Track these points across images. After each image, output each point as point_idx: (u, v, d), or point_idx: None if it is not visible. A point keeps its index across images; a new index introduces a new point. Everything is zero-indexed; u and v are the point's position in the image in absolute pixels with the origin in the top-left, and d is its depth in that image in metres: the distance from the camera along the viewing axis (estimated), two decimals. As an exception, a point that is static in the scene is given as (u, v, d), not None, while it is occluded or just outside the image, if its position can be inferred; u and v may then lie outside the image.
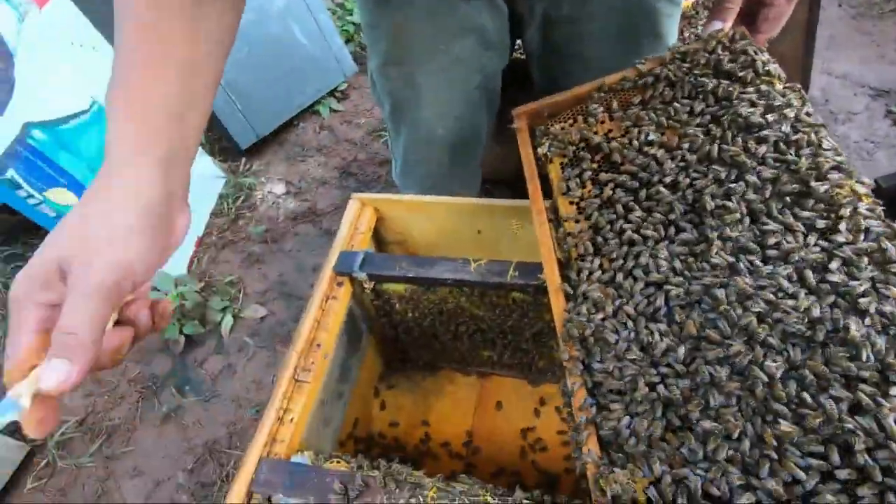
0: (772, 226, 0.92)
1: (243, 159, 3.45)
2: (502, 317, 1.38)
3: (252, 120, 3.39)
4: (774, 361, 0.81)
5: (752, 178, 0.96)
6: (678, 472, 0.80)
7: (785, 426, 0.76)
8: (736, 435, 0.79)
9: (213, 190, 3.25)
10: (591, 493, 0.84)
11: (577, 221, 1.08)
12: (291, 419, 1.14)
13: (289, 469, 1.02)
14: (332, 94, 3.69)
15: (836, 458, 0.73)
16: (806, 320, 0.82)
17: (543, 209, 1.09)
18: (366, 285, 1.35)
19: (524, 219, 1.50)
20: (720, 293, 0.88)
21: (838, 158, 0.96)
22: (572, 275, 1.04)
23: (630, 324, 0.94)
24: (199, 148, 3.22)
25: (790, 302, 0.83)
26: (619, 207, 1.05)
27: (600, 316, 0.96)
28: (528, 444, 1.57)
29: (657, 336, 0.91)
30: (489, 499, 0.94)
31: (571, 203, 1.08)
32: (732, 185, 0.97)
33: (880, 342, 0.77)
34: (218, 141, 3.53)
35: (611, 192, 1.06)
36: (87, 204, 0.55)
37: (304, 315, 1.30)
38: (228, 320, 2.67)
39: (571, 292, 1.00)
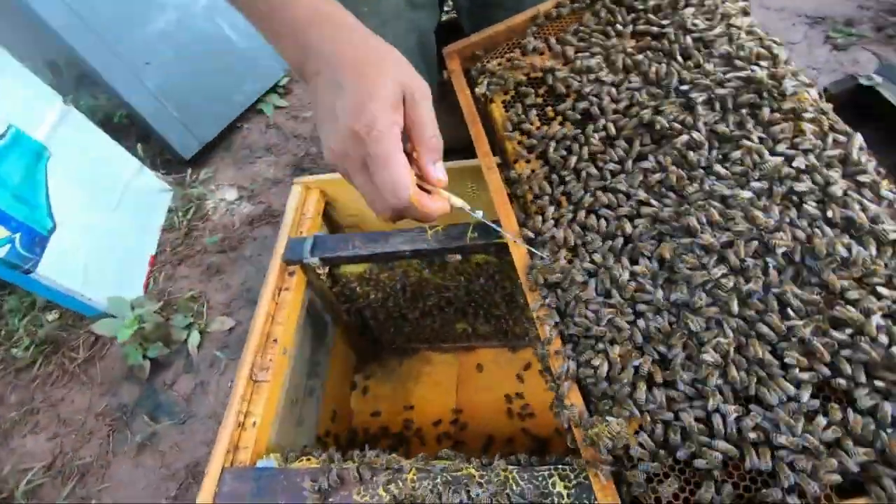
0: (737, 143, 0.86)
1: (189, 169, 3.25)
2: (469, 284, 1.30)
3: (192, 127, 3.20)
4: (754, 281, 0.75)
5: (707, 95, 0.89)
6: (666, 413, 0.73)
7: (769, 336, 0.70)
8: (724, 358, 0.72)
9: (160, 205, 3.07)
10: (580, 448, 0.76)
11: (527, 161, 0.99)
12: (254, 423, 1.04)
13: (253, 475, 0.92)
14: (273, 90, 3.52)
15: (824, 369, 0.68)
16: (783, 238, 0.76)
17: (489, 153, 1.01)
18: (319, 270, 1.25)
19: (480, 180, 1.42)
20: (692, 220, 0.81)
21: (792, 67, 0.90)
22: (530, 222, 0.96)
23: (599, 259, 0.86)
24: (140, 163, 3.03)
25: (762, 220, 0.77)
26: (572, 142, 0.97)
27: (565, 257, 0.88)
28: (516, 412, 1.51)
29: (627, 273, 0.83)
30: (472, 470, 0.86)
31: (519, 143, 1.00)
32: (690, 99, 0.90)
33: (856, 250, 0.72)
34: (159, 154, 3.32)
35: (560, 127, 0.98)
36: (383, 54, 0.71)
37: (257, 310, 1.19)
38: (195, 337, 2.51)
39: (533, 237, 0.92)
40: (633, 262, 0.85)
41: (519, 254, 0.94)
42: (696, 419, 0.72)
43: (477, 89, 1.08)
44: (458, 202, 0.81)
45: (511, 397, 1.52)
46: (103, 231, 2.67)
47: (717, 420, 0.70)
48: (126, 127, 3.55)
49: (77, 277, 2.51)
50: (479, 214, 0.88)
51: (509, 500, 0.81)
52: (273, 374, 1.11)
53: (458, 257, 1.16)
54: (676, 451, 0.71)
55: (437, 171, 0.74)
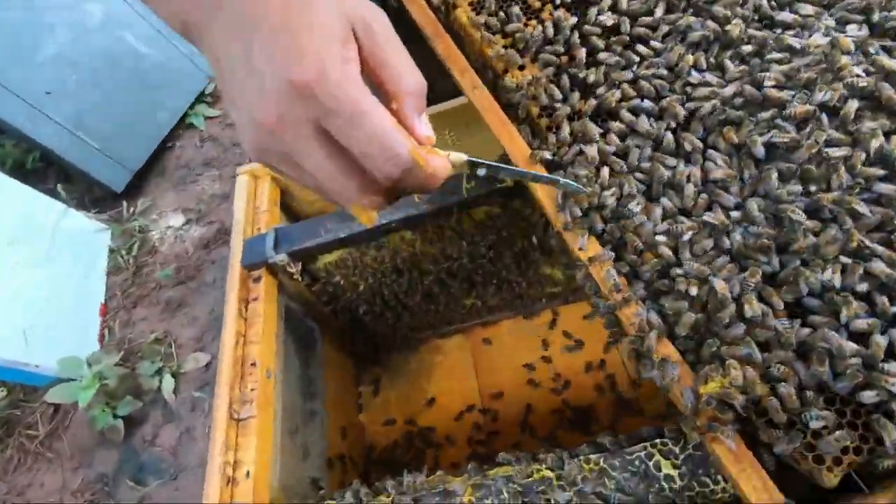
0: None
1: (124, 203, 2.90)
2: (472, 248, 1.07)
3: (117, 156, 2.83)
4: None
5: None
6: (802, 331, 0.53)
7: None
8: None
9: (99, 247, 2.70)
10: (687, 413, 0.56)
11: (521, 68, 0.77)
12: (247, 473, 0.79)
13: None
14: (199, 100, 3.17)
15: None
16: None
17: (468, 68, 0.78)
18: (290, 269, 1.00)
19: (457, 126, 1.18)
20: (769, 84, 0.61)
21: None
22: (544, 143, 0.74)
23: (644, 166, 0.65)
24: (64, 206, 2.65)
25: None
26: (573, 30, 0.75)
27: (603, 173, 0.67)
28: (548, 385, 1.30)
29: (696, 176, 0.62)
30: (546, 471, 0.65)
31: (506, 47, 0.78)
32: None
33: None
34: (87, 191, 2.94)
35: (552, 17, 0.76)
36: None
37: (223, 333, 0.93)
38: (168, 381, 2.21)
39: (550, 159, 0.70)
40: (693, 160, 0.64)
41: (543, 191, 0.72)
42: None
43: (434, -9, 0.84)
44: (458, 156, 0.52)
45: (534, 367, 1.32)
46: (37, 287, 2.31)
47: (877, 339, 0.50)
48: (43, 169, 3.12)
49: (16, 346, 2.15)
50: (488, 162, 0.62)
51: (607, 503, 0.60)
52: (259, 405, 0.86)
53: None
54: (838, 385, 0.51)
55: (423, 127, 0.48)
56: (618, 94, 0.69)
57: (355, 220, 0.98)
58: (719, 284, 0.56)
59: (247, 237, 1.04)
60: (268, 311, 0.97)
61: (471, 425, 1.31)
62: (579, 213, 0.68)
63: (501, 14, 0.80)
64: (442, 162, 0.48)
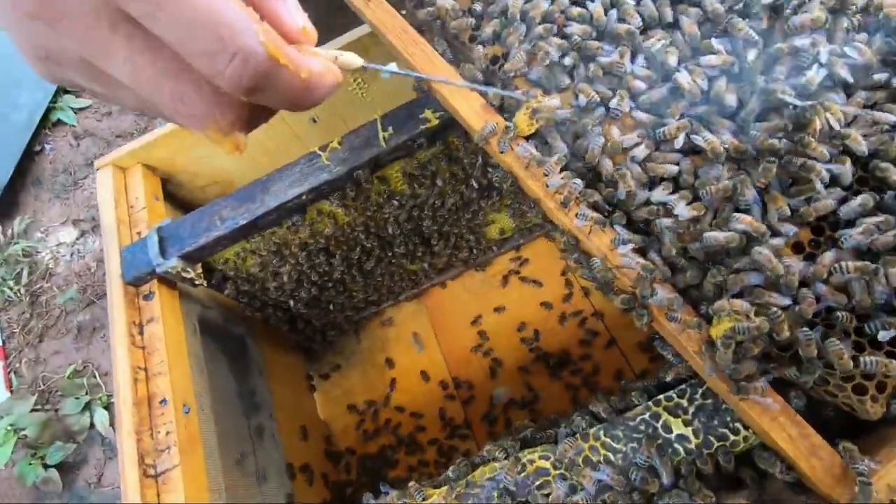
0: None
1: (-1, 226, 2.45)
2: (406, 207, 0.90)
3: (-26, 173, 2.36)
4: None
5: None
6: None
7: None
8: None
9: (-18, 282, 2.29)
10: (699, 359, 0.45)
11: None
12: (181, 537, 0.63)
13: None
14: (62, 91, 2.67)
15: None
16: None
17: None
18: (188, 274, 0.79)
19: (361, 70, 0.98)
20: None
21: None
22: (467, 59, 0.57)
23: (617, 59, 0.50)
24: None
25: None
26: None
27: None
28: (516, 334, 1.21)
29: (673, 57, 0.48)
30: (541, 461, 0.53)
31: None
32: None
33: None
34: (-51, 222, 2.46)
35: None
36: None
37: (114, 372, 0.73)
38: (101, 414, 1.95)
39: (481, 74, 0.54)
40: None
41: (474, 117, 0.56)
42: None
43: None
44: (351, 58, 0.37)
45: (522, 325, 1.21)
46: None
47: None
48: None
49: None
50: (393, 67, 0.46)
51: (625, 479, 0.49)
52: (182, 448, 0.68)
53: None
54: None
55: (293, 13, 0.34)
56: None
57: (256, 198, 0.79)
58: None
59: (124, 245, 0.82)
60: (170, 332, 0.77)
61: (442, 396, 1.20)
62: (529, 129, 0.53)
63: None
64: (322, 63, 0.33)
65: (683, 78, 0.50)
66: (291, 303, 1.00)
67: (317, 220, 0.85)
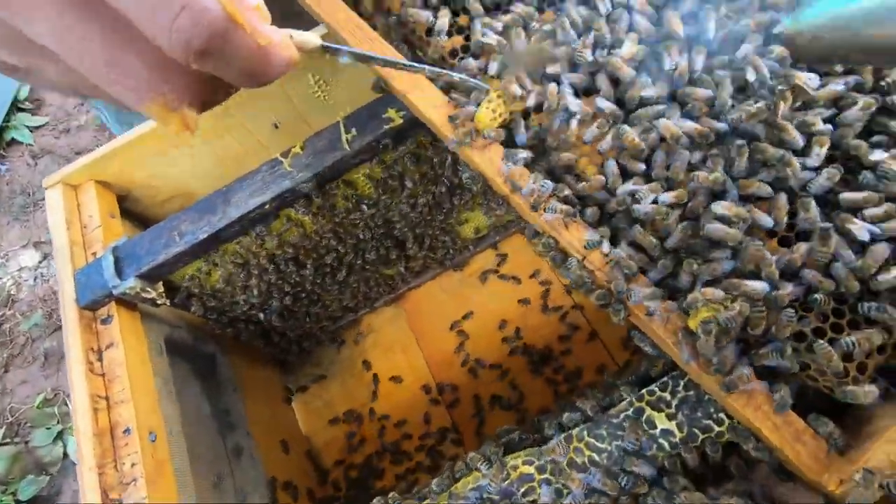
0: None
1: (-45, 253, 2.33)
2: (376, 210, 0.88)
3: (-77, 199, 2.24)
4: None
5: None
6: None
7: None
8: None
9: (-61, 314, 2.17)
10: (681, 352, 0.43)
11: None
12: (153, 573, 0.59)
13: None
14: (16, 108, 2.56)
15: None
16: None
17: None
18: (147, 294, 0.75)
19: (321, 71, 0.95)
20: None
21: None
22: (425, 47, 0.55)
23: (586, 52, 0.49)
24: None
25: None
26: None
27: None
28: (499, 334, 1.19)
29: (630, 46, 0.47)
30: (525, 467, 0.51)
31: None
32: None
33: None
34: None
35: None
36: None
37: (72, 402, 0.69)
38: (75, 443, 1.87)
39: (442, 62, 0.52)
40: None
41: (437, 114, 0.54)
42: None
43: None
44: (309, 37, 0.34)
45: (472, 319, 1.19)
46: None
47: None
48: None
49: None
50: (357, 49, 0.43)
51: (615, 482, 0.47)
52: (149, 479, 0.64)
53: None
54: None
55: None
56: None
57: (217, 209, 0.75)
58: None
59: (78, 268, 0.77)
60: (133, 356, 0.73)
61: (426, 401, 1.17)
62: (493, 115, 0.51)
63: None
64: (281, 34, 0.29)
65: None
66: (262, 316, 0.96)
67: (284, 229, 0.82)
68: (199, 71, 0.27)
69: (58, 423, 1.93)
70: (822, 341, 0.41)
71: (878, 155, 0.42)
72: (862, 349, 0.40)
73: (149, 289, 0.76)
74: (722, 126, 0.46)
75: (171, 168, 0.94)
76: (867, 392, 0.39)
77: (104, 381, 0.70)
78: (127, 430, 0.67)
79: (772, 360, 0.41)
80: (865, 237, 0.41)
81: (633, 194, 0.45)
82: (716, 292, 0.41)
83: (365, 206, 0.84)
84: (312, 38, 0.34)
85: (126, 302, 0.76)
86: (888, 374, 0.43)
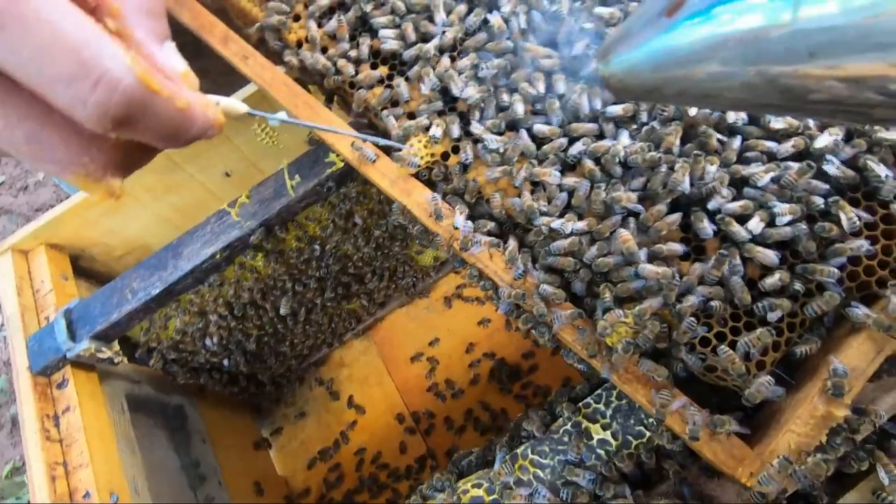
0: None
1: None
2: (330, 248, 0.90)
3: None
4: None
5: None
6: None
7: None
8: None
9: None
10: (603, 368, 0.46)
11: (296, 19, 0.60)
12: None
13: None
14: (-30, 171, 2.51)
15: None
16: None
17: (231, 34, 0.59)
18: (103, 354, 0.76)
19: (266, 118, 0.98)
20: None
21: None
22: (357, 107, 0.58)
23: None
24: None
25: None
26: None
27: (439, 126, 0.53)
28: (473, 361, 1.21)
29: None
30: (475, 490, 0.53)
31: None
32: None
33: None
34: None
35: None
36: None
37: (28, 471, 0.68)
38: (48, 511, 1.80)
39: (367, 124, 0.55)
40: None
41: (378, 172, 0.57)
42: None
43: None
44: (234, 104, 0.36)
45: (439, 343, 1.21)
46: None
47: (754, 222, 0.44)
48: None
49: None
50: (282, 115, 0.45)
51: (552, 492, 0.49)
52: (113, 543, 0.64)
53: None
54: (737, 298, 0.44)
55: (171, 58, 0.31)
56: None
57: (168, 264, 0.76)
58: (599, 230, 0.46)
59: (31, 333, 0.77)
60: (91, 418, 0.73)
61: (402, 431, 1.18)
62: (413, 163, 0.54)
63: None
64: (202, 97, 0.31)
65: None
66: (227, 363, 0.97)
67: (240, 275, 0.83)
68: (119, 139, 0.29)
69: (25, 492, 1.86)
70: (724, 347, 0.44)
71: (753, 168, 0.47)
72: (756, 348, 0.44)
73: (104, 349, 0.76)
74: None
75: (125, 225, 0.95)
76: (760, 385, 0.43)
77: (62, 446, 0.70)
78: (87, 495, 0.66)
79: (678, 370, 0.45)
80: (745, 236, 0.44)
81: (549, 227, 0.49)
82: (615, 314, 0.45)
83: (317, 247, 0.87)
84: (238, 105, 0.35)
85: (82, 364, 0.76)
86: (788, 369, 0.47)
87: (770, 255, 0.45)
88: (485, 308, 1.24)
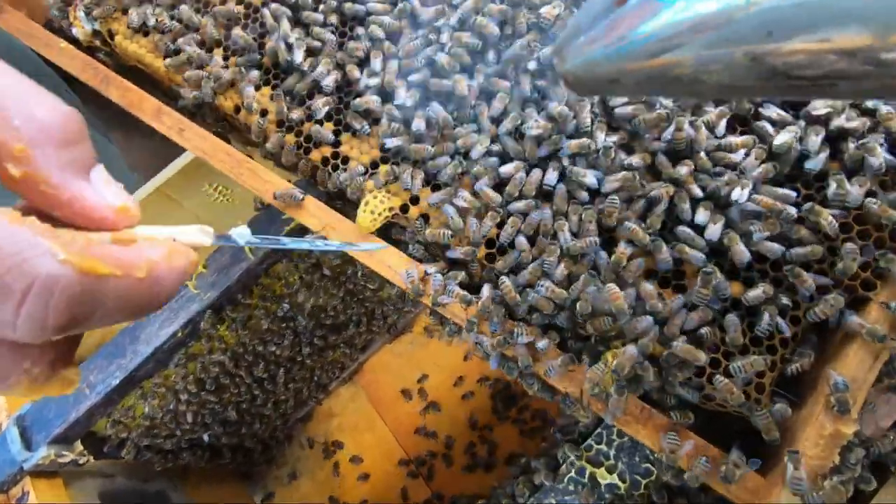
0: None
1: None
2: (300, 305, 0.86)
3: None
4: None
5: None
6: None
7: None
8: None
9: None
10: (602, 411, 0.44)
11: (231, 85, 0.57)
12: None
13: None
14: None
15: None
16: None
17: (162, 106, 0.55)
18: (64, 458, 0.69)
19: (216, 177, 0.94)
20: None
21: None
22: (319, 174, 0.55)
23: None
24: None
25: None
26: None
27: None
28: (456, 390, 1.17)
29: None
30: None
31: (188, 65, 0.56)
32: None
33: None
34: None
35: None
36: None
37: None
38: None
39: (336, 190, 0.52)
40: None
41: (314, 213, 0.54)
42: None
43: (75, 31, 0.59)
44: (194, 236, 0.28)
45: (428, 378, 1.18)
46: None
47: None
48: None
49: None
50: (242, 233, 0.35)
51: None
52: None
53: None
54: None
55: (103, 191, 0.25)
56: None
57: (127, 351, 0.71)
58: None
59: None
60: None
61: (403, 476, 1.13)
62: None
63: (174, 23, 0.57)
64: (162, 248, 0.25)
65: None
66: (206, 437, 0.91)
67: (207, 349, 0.78)
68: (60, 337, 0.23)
69: None
70: (720, 376, 0.42)
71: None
72: (749, 374, 0.42)
73: (65, 452, 0.70)
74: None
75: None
76: (769, 423, 0.41)
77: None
78: None
79: (680, 394, 0.43)
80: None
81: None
82: (600, 370, 0.42)
83: (286, 305, 0.82)
84: (197, 236, 0.28)
85: (42, 472, 0.70)
86: (787, 389, 0.45)
87: (744, 252, 0.44)
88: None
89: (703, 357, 0.42)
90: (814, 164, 0.45)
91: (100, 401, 0.69)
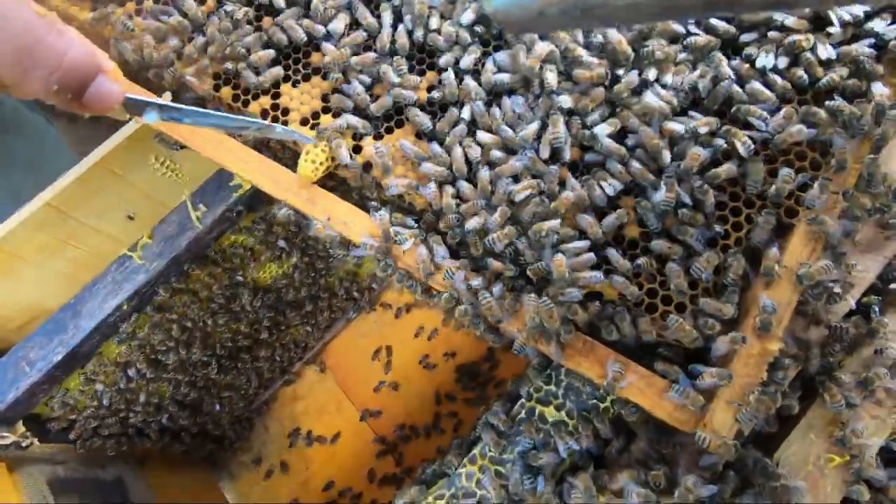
0: None
1: None
2: (254, 280, 0.84)
3: None
4: None
5: None
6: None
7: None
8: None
9: None
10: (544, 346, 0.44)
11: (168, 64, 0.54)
12: None
13: None
14: None
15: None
16: None
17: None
18: (6, 440, 0.66)
19: (161, 150, 0.90)
20: None
21: None
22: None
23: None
24: None
25: None
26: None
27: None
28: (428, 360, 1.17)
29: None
30: None
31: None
32: None
33: None
34: None
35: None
36: None
37: None
38: None
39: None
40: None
41: (271, 181, 0.52)
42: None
43: None
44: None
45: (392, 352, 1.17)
46: None
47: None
48: None
49: None
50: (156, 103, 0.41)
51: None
52: None
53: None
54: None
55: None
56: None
57: (69, 325, 0.68)
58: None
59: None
60: (1, 514, 0.63)
61: (373, 454, 1.13)
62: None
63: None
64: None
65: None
66: (164, 420, 0.88)
67: (156, 321, 0.76)
68: None
69: None
70: (675, 317, 0.43)
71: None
72: (708, 271, 0.43)
73: (6, 434, 0.66)
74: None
75: (18, 291, 0.84)
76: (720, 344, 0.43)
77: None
78: None
79: (612, 336, 0.44)
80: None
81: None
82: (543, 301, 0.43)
83: (240, 278, 0.80)
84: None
85: (-21, 459, 0.66)
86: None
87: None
88: (436, 312, 1.21)
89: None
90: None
91: (41, 378, 0.66)
